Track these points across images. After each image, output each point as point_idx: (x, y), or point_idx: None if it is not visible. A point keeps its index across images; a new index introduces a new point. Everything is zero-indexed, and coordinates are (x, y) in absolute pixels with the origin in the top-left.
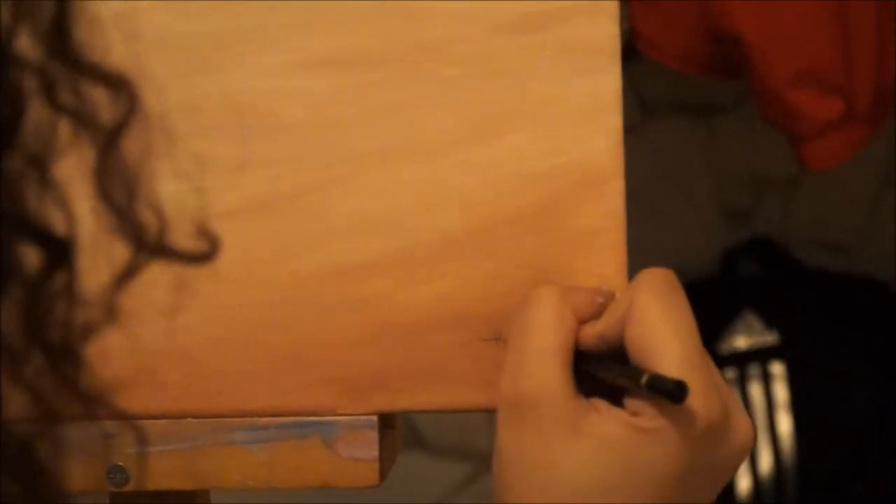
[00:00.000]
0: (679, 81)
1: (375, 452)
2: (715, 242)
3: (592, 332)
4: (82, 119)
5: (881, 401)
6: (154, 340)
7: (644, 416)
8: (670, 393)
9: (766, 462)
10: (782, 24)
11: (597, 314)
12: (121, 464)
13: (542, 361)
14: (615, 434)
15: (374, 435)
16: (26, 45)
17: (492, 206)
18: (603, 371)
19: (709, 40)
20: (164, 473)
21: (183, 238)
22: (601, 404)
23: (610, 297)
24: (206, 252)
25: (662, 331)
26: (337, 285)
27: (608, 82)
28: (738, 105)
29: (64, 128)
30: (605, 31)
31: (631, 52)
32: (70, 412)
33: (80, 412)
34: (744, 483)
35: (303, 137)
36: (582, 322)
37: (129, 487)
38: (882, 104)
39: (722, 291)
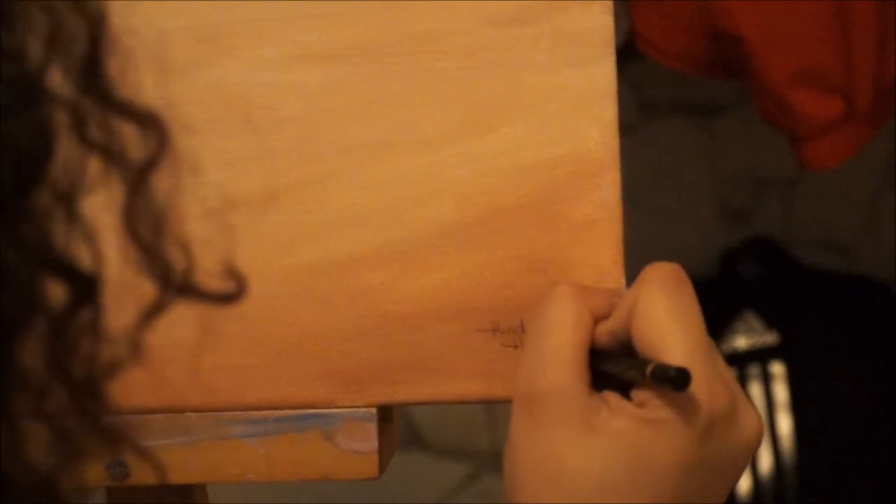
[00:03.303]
0: (679, 81)
1: (375, 444)
2: (715, 242)
3: (604, 330)
4: (112, 156)
5: (881, 401)
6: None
7: (649, 407)
8: (672, 380)
9: (766, 462)
10: (782, 23)
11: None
12: (120, 458)
13: (558, 358)
14: (622, 428)
15: (373, 427)
16: (58, 80)
17: (488, 197)
18: (612, 366)
19: (709, 40)
20: (164, 468)
21: (209, 278)
22: (612, 397)
23: None
24: (232, 293)
25: (667, 323)
26: (334, 278)
27: (603, 73)
28: (738, 105)
29: (93, 164)
30: (600, 22)
31: (631, 52)
32: (92, 449)
33: (102, 449)
34: (744, 483)
35: (299, 130)
36: (597, 321)
37: (129, 482)
38: (882, 104)
39: (722, 291)
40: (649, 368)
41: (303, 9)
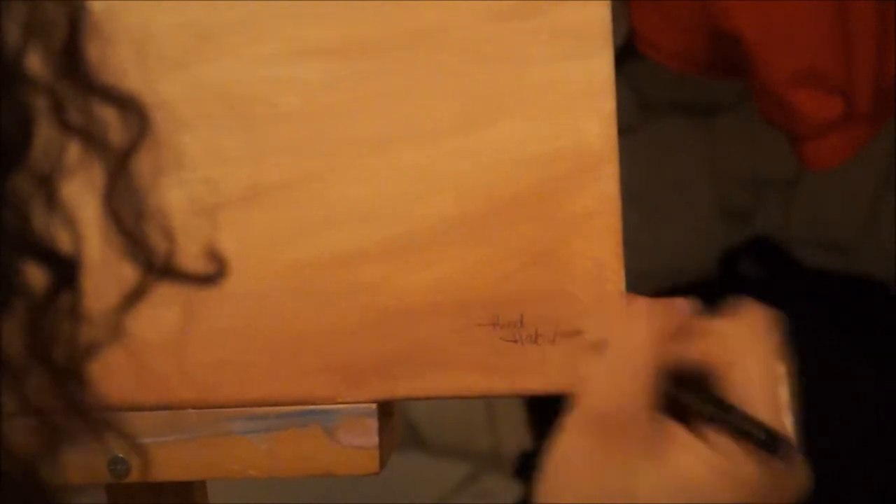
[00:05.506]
0: (679, 81)
1: (375, 440)
2: (715, 242)
3: (675, 352)
4: (92, 140)
5: (882, 401)
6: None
7: (732, 460)
8: (772, 447)
9: None
10: (782, 23)
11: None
12: (122, 455)
13: (638, 383)
14: (700, 475)
15: (373, 422)
16: (37, 64)
17: (487, 191)
18: (693, 401)
19: (709, 39)
20: (165, 464)
21: (191, 260)
22: (679, 431)
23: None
24: (213, 274)
25: (763, 384)
26: (334, 273)
27: (600, 66)
28: (739, 105)
29: (73, 148)
30: (597, 15)
31: (631, 52)
32: (73, 432)
33: (83, 432)
34: None
35: (298, 126)
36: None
37: (130, 479)
38: (882, 104)
39: (722, 291)
40: (748, 426)
41: (302, 6)
